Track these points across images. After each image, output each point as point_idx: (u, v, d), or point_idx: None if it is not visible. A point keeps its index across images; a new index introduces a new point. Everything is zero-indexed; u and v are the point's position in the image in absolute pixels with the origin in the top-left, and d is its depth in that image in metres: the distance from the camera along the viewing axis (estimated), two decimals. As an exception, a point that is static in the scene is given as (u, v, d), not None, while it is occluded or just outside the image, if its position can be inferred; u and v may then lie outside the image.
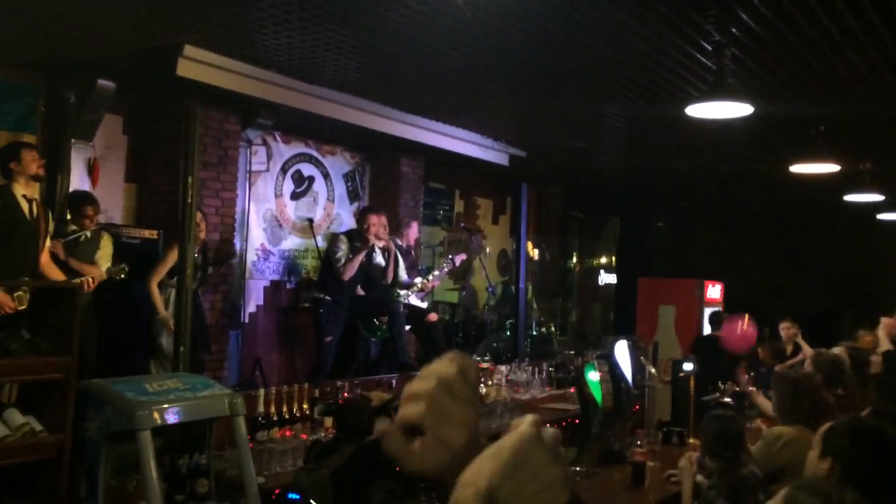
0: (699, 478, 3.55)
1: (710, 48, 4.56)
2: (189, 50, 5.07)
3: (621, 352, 4.16)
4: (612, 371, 4.03)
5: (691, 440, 4.66)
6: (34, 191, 4.92)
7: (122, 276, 5.42)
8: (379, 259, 6.91)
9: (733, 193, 11.16)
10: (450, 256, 7.73)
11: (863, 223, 11.39)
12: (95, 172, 6.09)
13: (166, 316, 5.74)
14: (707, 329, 9.29)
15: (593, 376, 3.82)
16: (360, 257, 6.55)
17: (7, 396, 4.32)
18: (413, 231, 7.64)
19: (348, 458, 3.80)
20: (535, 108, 6.86)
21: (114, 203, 6.43)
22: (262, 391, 4.92)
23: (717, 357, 6.50)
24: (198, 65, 5.22)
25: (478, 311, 9.90)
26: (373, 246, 6.69)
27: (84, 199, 5.51)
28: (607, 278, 12.86)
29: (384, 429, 1.00)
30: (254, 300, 7.71)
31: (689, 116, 5.06)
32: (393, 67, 5.73)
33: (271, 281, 7.91)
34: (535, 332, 9.68)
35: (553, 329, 10.04)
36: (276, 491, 4.28)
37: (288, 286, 8.06)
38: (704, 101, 4.65)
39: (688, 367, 4.83)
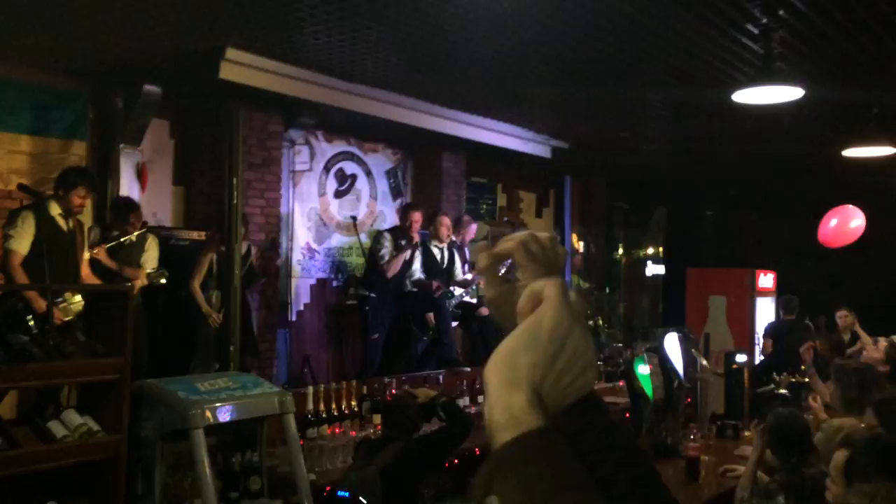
0: (759, 474, 3.45)
1: (757, 32, 4.43)
2: (231, 53, 5.13)
3: (671, 344, 4.09)
4: (662, 363, 3.96)
5: (747, 433, 4.56)
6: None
7: (163, 280, 5.50)
8: (438, 254, 6.95)
9: (784, 179, 10.90)
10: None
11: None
12: (144, 177, 6.21)
13: (209, 310, 5.81)
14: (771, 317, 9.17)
15: (643, 369, 3.76)
16: (404, 255, 6.56)
17: (66, 399, 4.44)
18: (471, 232, 7.65)
19: (396, 455, 3.81)
20: (578, 99, 6.78)
21: (162, 206, 6.55)
22: (310, 389, 4.97)
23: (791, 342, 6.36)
24: (240, 67, 5.28)
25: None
26: (416, 244, 6.70)
27: (126, 206, 5.59)
28: (654, 269, 12.68)
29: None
30: (301, 298, 7.79)
31: (737, 102, 4.94)
32: (433, 62, 5.72)
33: (318, 279, 7.97)
34: (582, 325, 9.58)
35: (601, 322, 9.93)
36: (328, 488, 4.32)
37: (334, 284, 8.12)
38: (754, 85, 4.54)
39: (741, 358, 4.72)
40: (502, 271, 0.97)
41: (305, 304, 7.86)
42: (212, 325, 5.77)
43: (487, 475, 0.67)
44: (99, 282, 5.15)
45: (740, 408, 4.68)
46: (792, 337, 7.71)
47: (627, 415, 6.66)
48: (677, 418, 4.06)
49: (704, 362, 4.34)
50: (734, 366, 4.78)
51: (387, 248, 6.59)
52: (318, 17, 4.66)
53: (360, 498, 3.69)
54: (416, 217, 6.70)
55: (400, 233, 6.79)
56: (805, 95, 4.78)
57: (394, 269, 6.52)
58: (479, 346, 7.45)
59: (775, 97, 4.58)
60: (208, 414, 3.72)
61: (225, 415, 3.86)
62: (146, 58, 5.47)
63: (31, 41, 5.05)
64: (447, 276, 7.09)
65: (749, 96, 4.59)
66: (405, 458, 3.84)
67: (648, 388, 3.74)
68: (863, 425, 3.47)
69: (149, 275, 5.44)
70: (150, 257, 5.55)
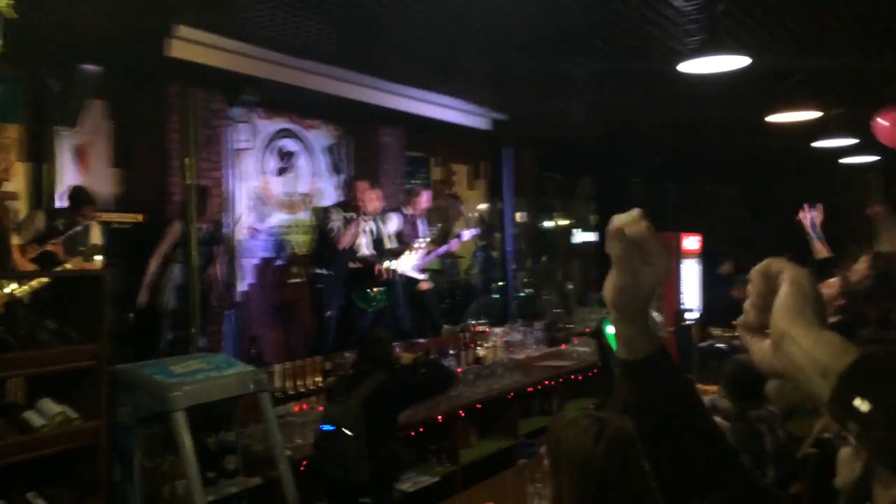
0: (717, 419, 3.69)
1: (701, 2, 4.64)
2: (182, 30, 5.00)
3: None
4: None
5: (697, 386, 4.84)
6: None
7: (98, 256, 5.30)
8: (371, 227, 6.99)
9: (704, 146, 11.36)
10: (462, 230, 7.83)
11: (826, 169, 11.71)
12: (84, 159, 6.00)
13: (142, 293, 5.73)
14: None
15: (611, 329, 3.94)
16: (354, 226, 6.59)
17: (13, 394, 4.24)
18: (423, 201, 7.70)
19: (376, 387, 3.91)
20: (519, 71, 6.89)
21: (102, 189, 6.35)
22: (276, 367, 4.98)
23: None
24: (189, 44, 5.16)
25: (459, 276, 9.99)
26: (364, 214, 6.74)
27: (86, 199, 5.39)
28: (584, 237, 13.03)
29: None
30: (245, 279, 7.70)
31: (669, 72, 5.15)
32: (371, 34, 5.71)
33: (261, 259, 7.90)
34: (521, 294, 9.81)
35: (539, 289, 10.19)
36: (304, 462, 4.36)
37: (277, 263, 8.06)
38: (699, 56, 4.73)
39: (691, 315, 4.99)
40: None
41: (250, 285, 7.78)
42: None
43: (857, 378, 0.71)
44: (33, 267, 4.95)
45: (690, 361, 4.95)
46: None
47: (593, 373, 6.91)
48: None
49: (660, 319, 4.57)
50: (683, 322, 5.04)
51: (336, 222, 6.61)
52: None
53: (344, 429, 3.77)
54: (362, 188, 6.74)
55: (346, 206, 6.81)
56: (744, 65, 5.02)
57: (345, 240, 6.55)
58: (424, 318, 7.59)
59: (719, 67, 4.80)
60: (189, 396, 3.71)
61: (205, 396, 3.87)
62: (82, 37, 5.28)
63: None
64: (380, 246, 7.16)
65: (694, 66, 4.79)
66: (386, 390, 3.94)
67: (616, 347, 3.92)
68: None
69: (83, 252, 5.22)
70: (95, 247, 5.35)
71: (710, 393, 3.97)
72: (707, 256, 9.95)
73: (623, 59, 5.97)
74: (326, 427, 3.89)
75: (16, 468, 3.32)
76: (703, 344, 5.63)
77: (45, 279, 3.88)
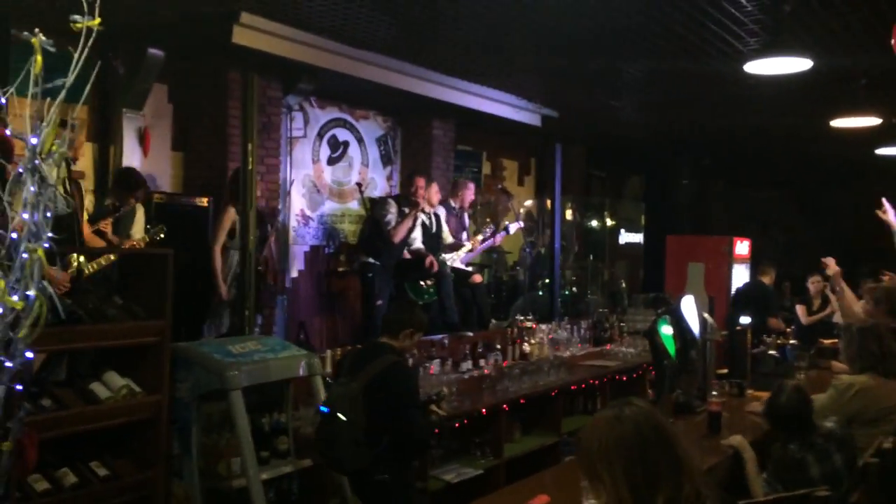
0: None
1: (766, 1, 4.57)
2: (245, 17, 5.10)
3: (687, 306, 4.26)
4: (678, 325, 4.13)
5: (749, 392, 4.79)
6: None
7: (161, 236, 5.41)
8: (427, 222, 7.02)
9: (759, 149, 11.18)
10: (507, 223, 7.82)
11: (889, 176, 11.45)
12: (147, 141, 6.15)
13: (220, 283, 5.81)
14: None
15: (666, 330, 3.93)
16: (410, 220, 6.63)
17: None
18: (469, 193, 7.71)
19: (382, 369, 3.54)
20: (571, 67, 6.87)
21: (162, 171, 6.50)
22: (328, 352, 5.05)
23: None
24: (252, 31, 5.25)
25: (505, 272, 10.00)
26: (422, 209, 6.76)
27: (136, 182, 5.47)
28: (629, 237, 12.94)
29: None
30: (296, 265, 7.82)
31: (729, 72, 5.09)
32: (429, 26, 5.74)
33: (311, 246, 8.01)
34: (566, 292, 9.78)
35: (584, 288, 10.15)
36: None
37: (326, 251, 8.16)
38: (760, 56, 4.68)
39: (745, 320, 4.94)
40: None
41: (300, 272, 7.89)
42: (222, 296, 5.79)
43: None
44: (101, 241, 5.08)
45: (744, 367, 4.90)
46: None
47: (637, 374, 6.88)
48: (692, 377, 4.25)
49: (713, 322, 4.53)
50: (738, 327, 4.99)
51: (392, 214, 6.66)
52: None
53: (339, 414, 3.44)
54: (421, 183, 6.76)
55: (403, 199, 6.85)
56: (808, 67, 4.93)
57: (400, 234, 6.59)
58: (473, 311, 7.61)
59: (783, 68, 4.73)
60: (245, 375, 3.80)
61: (260, 376, 3.95)
62: (151, 20, 5.40)
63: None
64: (437, 241, 7.19)
65: (756, 67, 4.72)
66: (391, 376, 3.55)
67: (671, 348, 3.91)
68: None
69: (148, 231, 5.30)
70: (139, 228, 5.46)
71: (762, 400, 3.90)
72: (755, 261, 9.83)
73: (683, 57, 5.91)
74: (323, 409, 3.59)
75: (81, 437, 3.44)
76: (756, 350, 5.56)
77: (112, 257, 4.00)
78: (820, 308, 8.94)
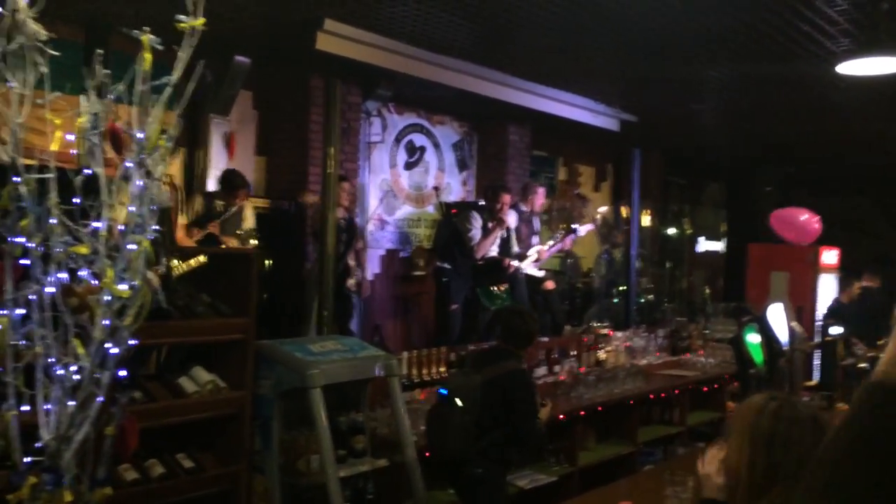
0: None
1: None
2: (328, 24, 5.20)
3: (775, 315, 4.13)
4: (765, 333, 4.00)
5: (839, 405, 4.61)
6: None
7: (253, 241, 5.59)
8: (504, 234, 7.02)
9: (843, 155, 10.75)
10: (574, 226, 7.71)
11: None
12: (232, 146, 6.34)
13: (352, 283, 5.96)
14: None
15: (752, 338, 3.82)
16: (494, 236, 6.61)
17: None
18: (539, 197, 7.66)
19: (506, 373, 3.80)
20: (653, 72, 6.75)
21: (246, 175, 6.67)
22: (405, 354, 5.09)
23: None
24: (336, 38, 5.36)
25: (579, 278, 9.88)
26: (505, 226, 6.75)
27: (239, 182, 5.68)
28: (707, 245, 12.63)
29: None
30: (371, 269, 7.92)
31: (819, 75, 4.90)
32: (507, 30, 5.73)
33: (387, 250, 8.10)
34: (641, 300, 9.61)
35: (661, 296, 9.95)
36: (427, 454, 4.42)
37: (402, 255, 8.24)
38: (853, 57, 4.50)
39: (836, 330, 4.75)
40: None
41: (375, 275, 7.99)
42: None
43: None
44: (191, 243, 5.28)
45: (833, 378, 4.71)
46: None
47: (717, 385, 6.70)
48: (782, 387, 4.11)
49: (802, 332, 4.37)
50: (828, 338, 4.80)
51: (477, 229, 6.65)
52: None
53: (456, 399, 3.73)
54: (507, 200, 6.73)
55: (488, 213, 6.82)
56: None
57: (483, 249, 6.58)
58: (546, 317, 7.54)
59: (878, 69, 4.54)
60: (325, 374, 3.85)
61: (339, 375, 4.00)
62: (237, 29, 5.57)
63: (132, 10, 5.17)
64: (507, 247, 7.15)
65: (852, 68, 4.55)
66: (513, 382, 3.80)
67: (758, 357, 3.80)
68: None
69: (239, 236, 5.52)
70: (249, 225, 5.67)
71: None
72: (845, 272, 9.43)
73: (770, 59, 5.74)
74: (442, 391, 3.87)
75: (168, 430, 3.55)
76: (846, 362, 5.35)
77: (203, 258, 4.13)
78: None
